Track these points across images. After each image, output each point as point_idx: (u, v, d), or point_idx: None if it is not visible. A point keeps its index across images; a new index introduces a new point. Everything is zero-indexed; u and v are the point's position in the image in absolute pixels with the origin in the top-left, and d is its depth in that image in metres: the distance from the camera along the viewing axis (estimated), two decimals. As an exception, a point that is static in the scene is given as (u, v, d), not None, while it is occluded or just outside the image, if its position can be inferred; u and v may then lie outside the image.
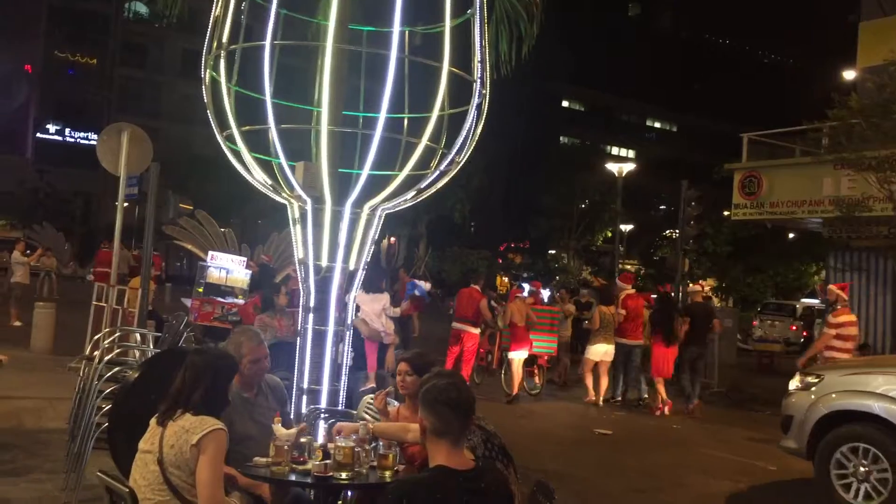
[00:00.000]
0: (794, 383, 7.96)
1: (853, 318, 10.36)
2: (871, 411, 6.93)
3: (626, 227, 41.11)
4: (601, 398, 12.32)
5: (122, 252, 26.40)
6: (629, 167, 30.06)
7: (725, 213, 27.52)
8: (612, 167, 33.06)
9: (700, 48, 68.36)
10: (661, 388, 11.99)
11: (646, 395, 12.57)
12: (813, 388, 7.49)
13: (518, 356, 12.06)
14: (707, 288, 41.38)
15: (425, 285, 12.44)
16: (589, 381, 12.45)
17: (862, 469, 6.91)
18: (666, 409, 11.85)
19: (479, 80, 5.50)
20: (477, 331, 11.96)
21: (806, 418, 7.35)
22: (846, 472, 7.00)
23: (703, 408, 12.37)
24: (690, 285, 14.43)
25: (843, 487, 7.00)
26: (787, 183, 15.88)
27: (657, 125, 72.28)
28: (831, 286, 11.19)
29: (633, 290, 13.02)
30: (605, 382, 12.46)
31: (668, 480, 8.08)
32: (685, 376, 12.47)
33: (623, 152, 63.64)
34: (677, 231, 20.00)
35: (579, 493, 7.10)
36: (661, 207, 50.59)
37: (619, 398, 12.54)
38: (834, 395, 7.28)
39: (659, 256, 44.46)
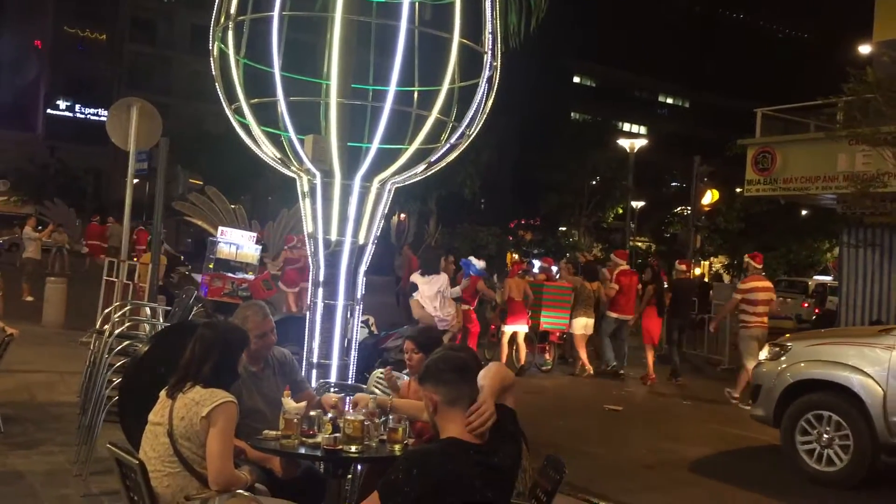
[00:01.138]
0: (763, 354, 8.27)
1: (764, 284, 11.19)
2: (835, 380, 7.22)
3: (637, 204, 40.89)
4: (580, 369, 12.75)
5: (112, 226, 26.72)
6: (641, 143, 29.83)
7: (738, 189, 27.33)
8: (624, 143, 32.85)
9: (714, 23, 67.56)
10: (651, 358, 12.57)
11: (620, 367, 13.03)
12: (781, 359, 7.76)
13: (512, 329, 12.22)
14: (719, 265, 41.21)
15: (479, 263, 12.21)
16: (583, 355, 12.77)
17: (825, 436, 7.17)
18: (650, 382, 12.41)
19: (489, 52, 5.44)
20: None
21: (773, 387, 7.63)
22: (810, 438, 7.27)
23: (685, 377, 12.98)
24: (676, 263, 14.75)
25: (807, 453, 7.27)
26: (801, 159, 15.72)
27: (669, 101, 71.65)
28: (746, 255, 12.03)
29: (626, 266, 13.25)
30: (582, 354, 12.78)
31: (676, 455, 8.08)
32: (675, 349, 13.14)
33: (635, 128, 63.18)
34: (689, 208, 19.89)
35: (589, 468, 7.10)
36: (673, 184, 50.23)
37: (622, 370, 12.83)
38: (802, 365, 7.55)
39: (671, 233, 44.26)
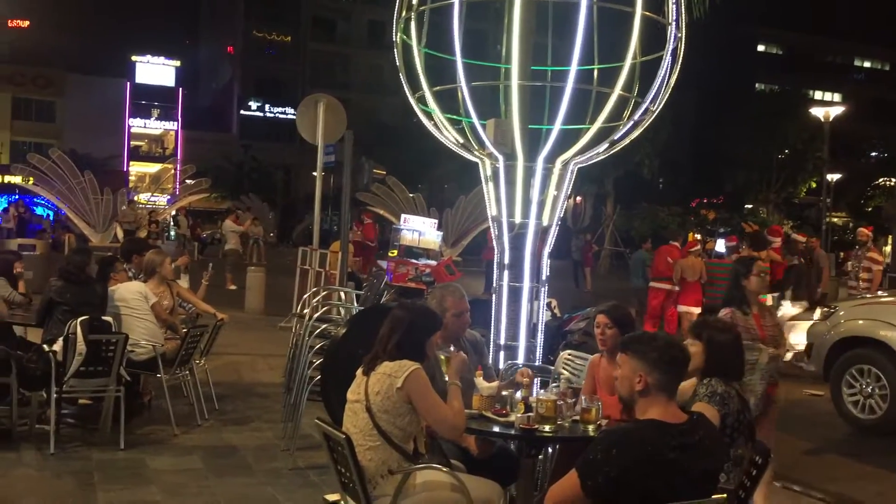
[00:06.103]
0: (816, 315, 9.09)
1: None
2: (873, 336, 7.80)
3: (833, 177, 38.17)
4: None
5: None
6: (837, 111, 27.70)
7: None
8: (818, 112, 30.70)
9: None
10: None
11: None
12: (829, 319, 8.45)
13: (684, 310, 12.05)
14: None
15: None
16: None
17: (867, 388, 7.80)
18: None
19: (673, 23, 5.26)
20: (669, 287, 12.17)
21: (822, 344, 8.32)
22: (854, 389, 7.92)
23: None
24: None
25: (852, 403, 7.93)
26: None
27: (867, 64, 66.17)
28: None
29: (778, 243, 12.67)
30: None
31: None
32: None
33: (827, 96, 58.89)
34: (894, 179, 18.35)
35: (789, 454, 6.74)
36: (873, 154, 46.49)
37: None
38: (846, 324, 8.20)
39: (872, 207, 41.05)
